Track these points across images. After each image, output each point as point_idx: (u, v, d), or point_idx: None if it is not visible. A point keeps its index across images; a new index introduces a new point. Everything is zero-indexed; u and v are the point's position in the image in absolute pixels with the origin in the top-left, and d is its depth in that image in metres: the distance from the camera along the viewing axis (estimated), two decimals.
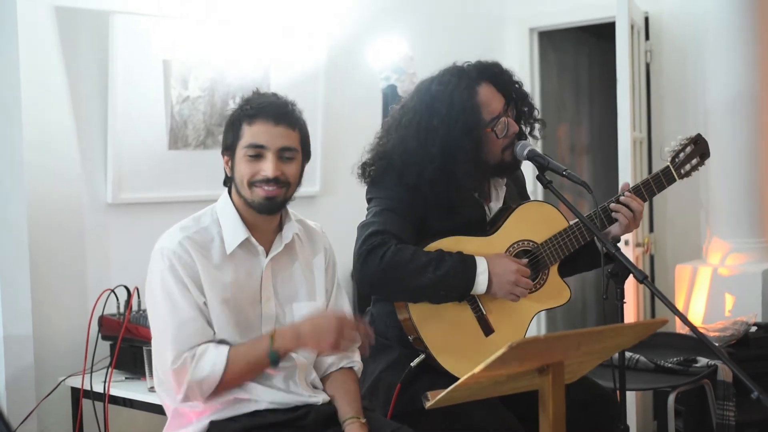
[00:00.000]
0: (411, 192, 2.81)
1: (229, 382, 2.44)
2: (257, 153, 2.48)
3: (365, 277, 2.73)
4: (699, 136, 3.07)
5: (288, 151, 2.51)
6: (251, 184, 2.49)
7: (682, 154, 3.02)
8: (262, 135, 2.48)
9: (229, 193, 2.59)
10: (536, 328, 5.60)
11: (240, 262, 2.54)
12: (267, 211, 2.52)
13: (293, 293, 2.63)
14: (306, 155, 2.60)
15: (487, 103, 2.83)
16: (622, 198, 2.92)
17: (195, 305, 2.45)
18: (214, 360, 2.41)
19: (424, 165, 2.78)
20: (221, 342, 2.47)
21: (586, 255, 2.99)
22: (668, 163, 3.02)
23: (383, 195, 2.84)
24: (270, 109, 2.51)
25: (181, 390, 2.42)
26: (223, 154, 2.57)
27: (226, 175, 2.59)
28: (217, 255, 2.51)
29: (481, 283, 2.76)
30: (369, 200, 2.91)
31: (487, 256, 2.79)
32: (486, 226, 2.93)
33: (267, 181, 2.48)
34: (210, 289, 2.47)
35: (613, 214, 2.92)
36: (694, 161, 3.04)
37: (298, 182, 2.58)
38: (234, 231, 2.53)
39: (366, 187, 2.94)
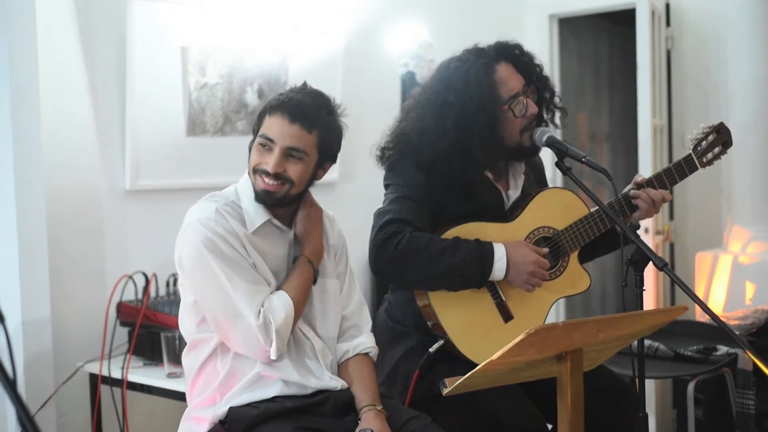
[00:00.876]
0: (428, 176, 2.80)
1: (298, 312, 2.52)
2: (266, 145, 2.50)
3: (380, 266, 2.73)
4: (722, 124, 3.04)
5: (295, 151, 2.50)
6: (254, 171, 2.53)
7: (704, 143, 2.99)
8: (274, 128, 2.49)
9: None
10: (555, 315, 5.58)
11: (268, 236, 2.58)
12: (263, 202, 2.54)
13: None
14: (325, 158, 2.59)
15: (505, 81, 2.81)
16: (633, 192, 2.90)
17: (250, 263, 2.50)
18: (280, 302, 2.48)
19: (440, 140, 2.77)
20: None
21: (604, 239, 2.97)
22: (690, 152, 2.99)
23: (401, 182, 2.83)
24: (291, 105, 2.50)
25: (271, 341, 2.44)
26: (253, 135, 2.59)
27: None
28: (246, 230, 2.54)
29: (498, 270, 2.73)
30: (386, 186, 2.89)
31: (506, 242, 2.77)
32: (505, 213, 2.91)
33: (267, 173, 2.49)
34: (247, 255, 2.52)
35: (633, 200, 2.90)
36: (717, 150, 3.01)
37: (308, 182, 2.59)
38: (255, 212, 2.56)
39: (384, 172, 2.93)
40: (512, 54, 2.88)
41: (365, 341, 2.73)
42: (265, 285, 2.51)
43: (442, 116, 2.79)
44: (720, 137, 3.01)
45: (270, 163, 2.48)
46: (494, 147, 2.80)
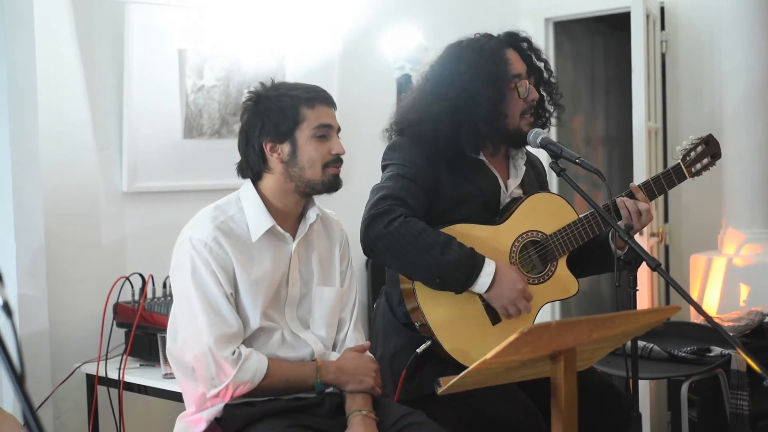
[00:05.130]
0: (426, 156, 2.83)
1: (261, 390, 2.50)
2: (324, 134, 2.56)
3: (368, 239, 2.72)
4: (710, 136, 3.08)
5: (339, 131, 2.63)
6: (325, 165, 2.57)
7: (693, 153, 3.04)
8: (327, 116, 2.58)
9: (253, 182, 2.62)
10: (550, 316, 5.60)
11: (268, 248, 2.58)
12: (335, 188, 2.61)
13: (315, 276, 2.68)
14: None
15: (513, 62, 2.88)
16: (618, 200, 2.90)
17: (225, 295, 2.49)
18: (256, 367, 2.48)
19: (441, 107, 2.83)
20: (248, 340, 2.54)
21: (597, 257, 2.98)
22: (679, 161, 3.03)
23: (398, 160, 2.85)
24: (322, 93, 2.61)
25: (218, 384, 2.46)
26: (267, 141, 2.56)
27: (258, 163, 2.59)
28: (247, 242, 2.55)
29: (482, 284, 2.71)
30: (384, 168, 2.91)
31: (499, 263, 2.75)
32: (499, 200, 2.93)
33: (338, 159, 2.58)
34: (244, 274, 2.52)
35: (621, 208, 2.90)
36: (705, 161, 3.05)
37: None
38: (258, 220, 2.56)
39: (382, 154, 2.95)
40: (520, 45, 2.95)
41: (351, 336, 2.76)
42: (238, 318, 2.51)
43: (449, 85, 2.85)
44: (709, 149, 3.06)
45: (338, 146, 2.59)
46: (495, 123, 2.84)
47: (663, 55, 5.24)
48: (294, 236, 2.63)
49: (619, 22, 5.54)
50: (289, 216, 2.63)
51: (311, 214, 2.65)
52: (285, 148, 2.55)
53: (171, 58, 3.95)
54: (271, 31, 4.31)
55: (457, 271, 2.69)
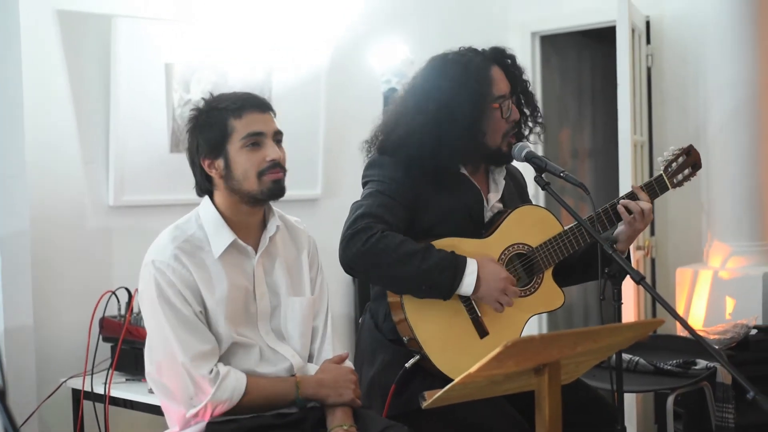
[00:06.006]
0: (406, 171, 2.81)
1: (241, 408, 2.49)
2: (256, 141, 2.51)
3: (346, 259, 2.70)
4: (691, 147, 3.10)
5: (279, 134, 2.56)
6: (260, 173, 2.51)
7: (674, 164, 3.05)
8: (256, 123, 2.51)
9: (211, 197, 2.60)
10: (537, 329, 5.60)
11: (232, 263, 2.56)
12: (277, 195, 2.55)
13: (284, 287, 2.66)
14: None
15: (497, 81, 2.87)
16: (621, 203, 2.91)
17: (194, 313, 2.47)
18: (234, 386, 2.46)
19: (415, 121, 2.81)
20: (225, 359, 2.52)
21: (582, 264, 2.99)
22: (662, 172, 3.04)
23: (377, 177, 2.83)
24: (252, 100, 2.55)
25: (197, 403, 2.45)
26: (203, 158, 2.54)
27: (203, 181, 2.59)
28: (209, 260, 2.53)
29: (467, 284, 2.70)
30: (364, 184, 2.89)
31: (479, 258, 2.75)
32: (483, 214, 2.91)
33: (274, 165, 2.51)
34: (208, 292, 2.50)
35: (623, 208, 2.90)
36: (686, 171, 3.07)
37: None
38: (219, 235, 2.54)
39: (363, 170, 2.94)
40: (505, 62, 2.94)
41: (328, 346, 2.74)
42: (210, 335, 2.49)
43: (429, 98, 2.83)
44: (690, 159, 3.07)
45: (272, 152, 2.51)
46: (473, 140, 2.82)
47: (648, 69, 5.26)
48: (256, 248, 2.61)
49: (606, 36, 5.56)
50: (250, 228, 2.60)
51: (271, 226, 2.63)
52: (220, 163, 2.53)
53: (158, 71, 3.96)
54: (258, 44, 4.32)
55: (441, 275, 2.68)
